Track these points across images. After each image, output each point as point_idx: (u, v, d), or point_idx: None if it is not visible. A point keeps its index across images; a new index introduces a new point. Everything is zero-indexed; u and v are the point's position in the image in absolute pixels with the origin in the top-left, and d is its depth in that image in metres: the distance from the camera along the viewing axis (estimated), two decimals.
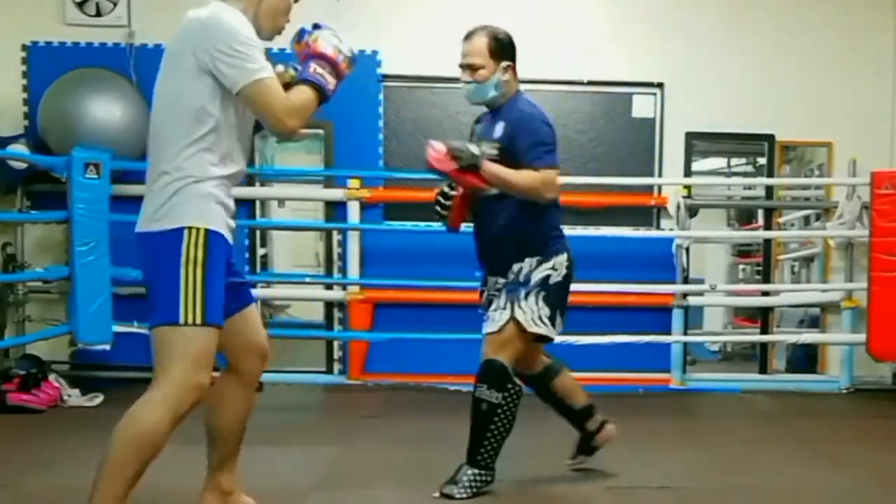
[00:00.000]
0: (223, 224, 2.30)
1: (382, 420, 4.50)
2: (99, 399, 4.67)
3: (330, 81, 2.38)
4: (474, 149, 2.97)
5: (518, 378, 3.08)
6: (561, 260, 3.05)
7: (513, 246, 3.05)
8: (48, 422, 4.26)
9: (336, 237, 5.52)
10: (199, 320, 2.21)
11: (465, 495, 2.97)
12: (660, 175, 5.52)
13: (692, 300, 5.50)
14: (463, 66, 3.10)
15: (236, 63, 2.23)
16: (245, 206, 5.49)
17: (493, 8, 5.52)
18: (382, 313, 5.37)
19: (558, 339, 4.97)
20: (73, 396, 4.65)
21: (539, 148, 3.00)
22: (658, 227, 5.52)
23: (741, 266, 7.71)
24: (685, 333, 5.52)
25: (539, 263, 3.02)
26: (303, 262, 7.22)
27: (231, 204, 2.36)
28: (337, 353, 5.52)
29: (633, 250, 5.41)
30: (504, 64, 3.06)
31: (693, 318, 5.97)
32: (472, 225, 3.25)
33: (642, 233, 5.47)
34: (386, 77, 5.46)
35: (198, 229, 2.23)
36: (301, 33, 2.49)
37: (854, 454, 3.82)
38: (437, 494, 2.99)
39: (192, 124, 2.27)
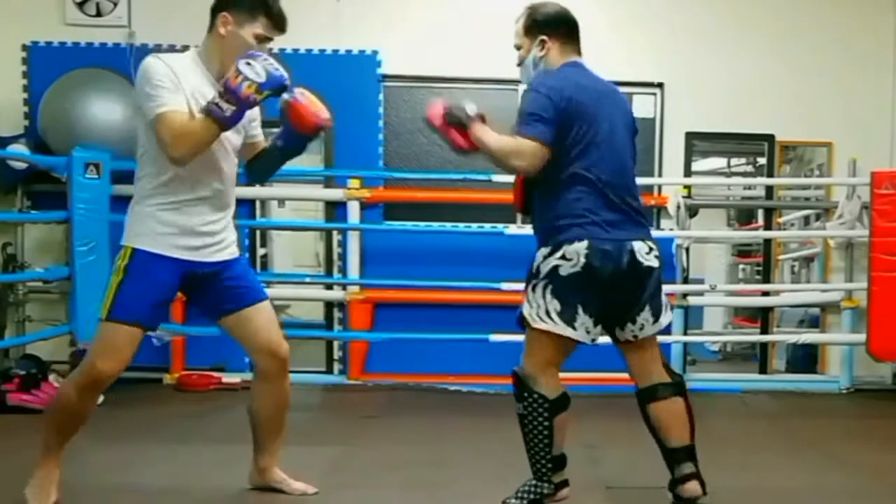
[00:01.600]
0: (163, 243, 2.65)
1: (382, 420, 4.50)
2: (99, 399, 4.65)
3: (226, 109, 2.53)
4: (469, 109, 2.81)
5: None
6: (577, 248, 2.63)
7: (536, 231, 2.82)
8: None
9: (336, 237, 5.53)
10: (105, 316, 2.63)
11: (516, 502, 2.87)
12: (660, 175, 5.52)
13: (692, 300, 5.50)
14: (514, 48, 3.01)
15: (145, 102, 2.57)
16: (245, 206, 5.50)
17: (493, 8, 5.53)
18: (382, 313, 5.37)
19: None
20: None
21: (521, 116, 2.74)
22: (658, 227, 5.52)
23: (741, 266, 7.71)
24: (685, 333, 5.52)
25: (551, 252, 2.67)
26: (303, 262, 7.23)
27: (188, 223, 2.67)
28: (337, 353, 5.52)
29: None
30: (540, 38, 2.88)
31: (693, 318, 5.97)
32: None
33: None
34: (386, 77, 5.46)
35: (126, 247, 2.67)
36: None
37: (854, 454, 3.81)
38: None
39: (140, 154, 2.69)
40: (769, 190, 5.82)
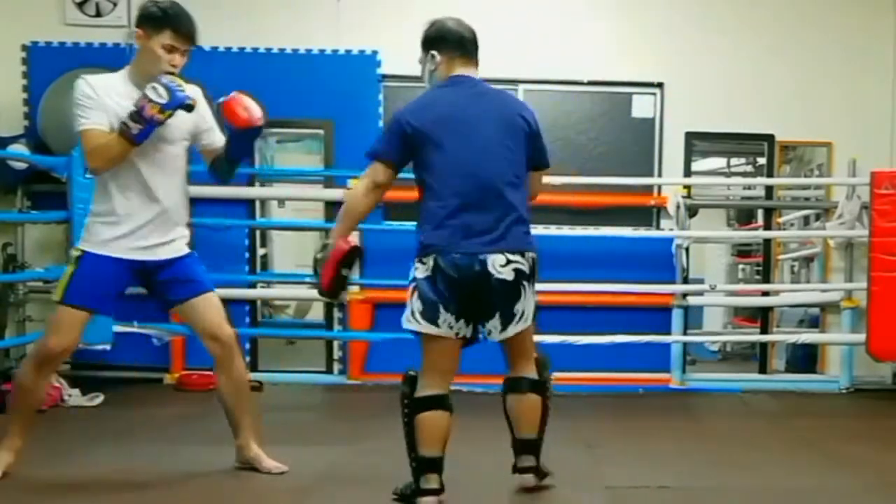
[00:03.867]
0: (111, 248, 3.01)
1: (382, 420, 4.49)
2: (99, 399, 4.67)
3: (133, 127, 2.87)
4: (319, 254, 2.96)
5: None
6: (428, 258, 2.81)
7: None
8: (48, 422, 4.24)
9: None
10: (59, 300, 3.01)
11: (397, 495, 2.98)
12: (659, 175, 5.52)
13: (692, 300, 5.50)
14: None
15: (74, 119, 2.97)
16: (245, 206, 5.50)
17: (493, 8, 5.54)
18: (382, 313, 5.37)
19: (558, 338, 5.09)
20: (74, 396, 4.64)
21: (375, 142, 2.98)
22: (658, 227, 5.53)
23: (741, 266, 7.71)
24: (685, 333, 5.52)
25: (416, 258, 2.86)
26: (303, 262, 7.22)
27: (129, 230, 3.01)
28: (337, 353, 5.52)
29: (633, 250, 5.41)
30: (430, 53, 3.06)
31: (693, 318, 5.97)
32: None
33: (642, 233, 5.47)
34: (386, 77, 5.46)
35: (79, 248, 3.06)
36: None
37: (854, 454, 3.81)
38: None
39: None
40: (769, 190, 5.82)
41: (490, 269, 2.81)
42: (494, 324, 2.91)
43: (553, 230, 5.41)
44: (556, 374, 5.31)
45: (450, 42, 3.06)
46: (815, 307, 5.78)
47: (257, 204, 5.64)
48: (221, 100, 3.07)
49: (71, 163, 4.54)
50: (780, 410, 4.94)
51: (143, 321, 5.15)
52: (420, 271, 2.83)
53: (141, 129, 2.87)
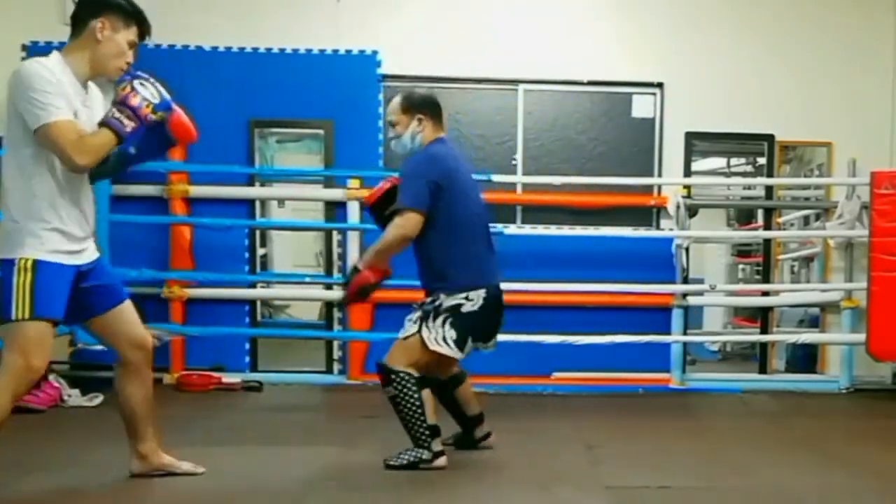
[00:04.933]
0: (57, 254, 2.75)
1: (382, 420, 4.49)
2: (99, 399, 4.66)
3: (127, 125, 2.72)
4: (352, 267, 3.56)
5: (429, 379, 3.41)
6: (478, 294, 3.35)
7: (426, 272, 3.45)
8: (48, 422, 4.25)
9: (336, 237, 5.53)
10: (28, 316, 2.69)
11: (396, 464, 3.33)
12: (659, 175, 5.52)
13: (692, 300, 5.50)
14: (388, 125, 3.57)
15: (30, 109, 2.63)
16: (245, 206, 5.50)
17: (493, 9, 5.55)
18: (382, 313, 5.37)
19: (558, 338, 5.09)
20: (73, 396, 4.64)
21: (402, 190, 3.34)
22: (658, 227, 5.53)
23: (741, 266, 7.72)
24: (685, 333, 5.52)
25: (449, 294, 3.33)
26: (303, 262, 7.23)
27: (67, 231, 2.77)
28: (337, 353, 5.52)
29: (633, 250, 5.41)
30: (417, 116, 3.43)
31: (693, 318, 5.98)
32: None
33: (642, 233, 5.47)
34: (386, 77, 5.46)
35: (25, 258, 2.72)
36: (119, 81, 2.81)
37: (854, 454, 3.81)
38: (383, 465, 3.36)
39: (7, 163, 2.77)
40: (769, 190, 5.82)
41: (501, 295, 3.48)
42: (494, 339, 3.53)
43: (553, 230, 5.41)
44: (556, 374, 5.38)
45: (433, 108, 3.49)
46: (815, 307, 5.78)
47: (257, 204, 5.64)
48: (167, 111, 2.82)
49: None
50: (780, 410, 4.94)
51: (143, 321, 5.14)
52: (466, 306, 3.32)
53: (134, 128, 2.73)
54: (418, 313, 3.38)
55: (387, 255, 3.40)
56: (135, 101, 2.73)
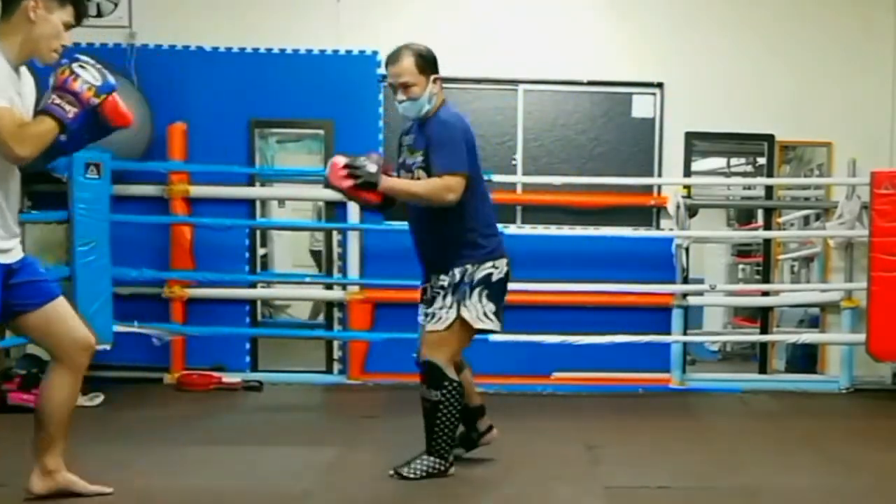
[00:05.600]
0: None
1: (382, 420, 4.50)
2: (99, 399, 4.66)
3: (69, 111, 2.55)
4: (372, 167, 3.13)
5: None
6: (503, 262, 3.25)
7: (447, 247, 3.22)
8: None
9: (336, 237, 5.53)
10: None
11: (413, 476, 3.19)
12: (659, 175, 5.52)
13: (692, 300, 5.50)
14: (395, 86, 3.25)
15: None
16: (245, 206, 5.50)
17: (493, 9, 5.55)
18: (382, 313, 5.37)
19: (558, 338, 5.08)
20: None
21: (443, 155, 3.15)
22: (658, 227, 5.53)
23: (741, 266, 7.71)
24: (685, 333, 5.52)
25: (479, 263, 3.19)
26: (303, 262, 7.23)
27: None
28: (337, 353, 5.52)
29: (633, 250, 5.41)
30: (433, 77, 3.23)
31: (693, 318, 5.97)
32: (408, 224, 3.41)
33: (642, 233, 5.47)
34: (386, 77, 5.44)
35: None
36: (56, 65, 2.65)
37: (854, 454, 3.82)
38: (391, 472, 3.22)
39: None
40: (769, 190, 5.82)
41: None
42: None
43: (553, 230, 5.41)
44: (556, 374, 5.38)
45: (438, 69, 3.30)
46: (815, 307, 5.77)
47: (257, 204, 5.64)
48: (101, 97, 2.65)
49: (71, 163, 4.54)
50: (780, 410, 4.94)
51: (144, 321, 5.15)
52: (496, 275, 3.21)
53: (77, 113, 2.56)
54: (450, 297, 3.18)
55: (413, 199, 3.22)
56: (76, 86, 2.56)
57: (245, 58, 5.42)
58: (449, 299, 3.18)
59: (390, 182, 3.18)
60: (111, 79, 2.66)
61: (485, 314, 3.18)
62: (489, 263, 3.21)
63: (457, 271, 3.19)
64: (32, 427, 2.85)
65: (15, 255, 2.76)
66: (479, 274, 3.18)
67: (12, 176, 2.76)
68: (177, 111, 5.29)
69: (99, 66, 2.65)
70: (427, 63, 3.22)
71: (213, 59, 5.37)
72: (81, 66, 2.60)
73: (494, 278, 3.21)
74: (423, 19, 5.49)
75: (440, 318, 3.18)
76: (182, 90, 5.34)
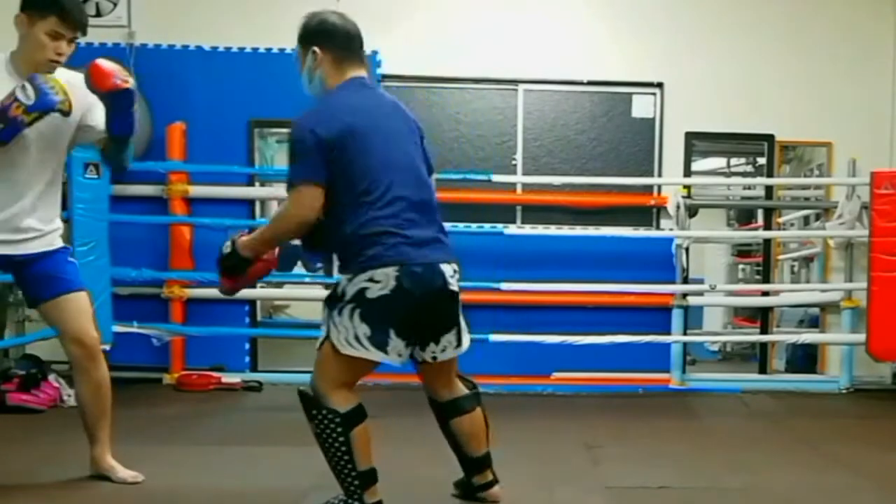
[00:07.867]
0: None
1: (382, 420, 4.48)
2: None
3: None
4: (226, 245, 2.82)
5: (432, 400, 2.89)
6: (386, 272, 2.51)
7: (338, 257, 2.72)
8: (48, 422, 4.25)
9: None
10: None
11: None
12: (659, 175, 5.52)
13: (692, 300, 5.50)
14: None
15: None
16: (245, 206, 5.50)
17: (493, 8, 5.54)
18: None
19: (558, 338, 5.08)
20: (73, 396, 4.63)
21: (290, 164, 2.63)
22: (658, 227, 5.53)
23: (741, 266, 7.72)
24: (685, 333, 5.52)
25: (354, 275, 2.55)
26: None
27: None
28: None
29: (633, 250, 5.41)
30: (312, 49, 2.76)
31: (693, 318, 5.97)
32: None
33: (642, 233, 5.47)
34: (386, 77, 5.45)
35: None
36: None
37: (854, 454, 3.81)
38: None
39: None
40: (769, 190, 5.82)
41: (448, 279, 2.62)
42: (449, 339, 2.71)
43: (553, 230, 5.41)
44: (556, 374, 5.37)
45: (336, 39, 2.74)
46: (815, 307, 5.78)
47: (257, 204, 5.64)
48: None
49: (70, 163, 4.54)
50: (780, 410, 4.93)
51: (143, 321, 5.15)
52: (373, 290, 2.51)
53: (3, 129, 2.67)
54: (325, 312, 2.63)
55: (279, 237, 2.75)
56: (6, 103, 2.67)
57: (245, 58, 5.41)
58: (324, 314, 2.63)
59: (245, 240, 2.80)
60: (49, 98, 2.71)
61: (355, 337, 2.52)
62: (364, 276, 2.51)
63: (338, 283, 2.63)
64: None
65: (22, 249, 2.88)
66: (352, 289, 2.54)
67: (25, 175, 2.85)
68: (176, 111, 5.28)
69: (46, 86, 2.71)
70: (307, 33, 2.79)
71: (212, 59, 5.37)
72: (23, 86, 2.68)
73: (371, 295, 2.51)
74: (423, 19, 5.49)
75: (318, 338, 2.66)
76: (181, 90, 5.34)
